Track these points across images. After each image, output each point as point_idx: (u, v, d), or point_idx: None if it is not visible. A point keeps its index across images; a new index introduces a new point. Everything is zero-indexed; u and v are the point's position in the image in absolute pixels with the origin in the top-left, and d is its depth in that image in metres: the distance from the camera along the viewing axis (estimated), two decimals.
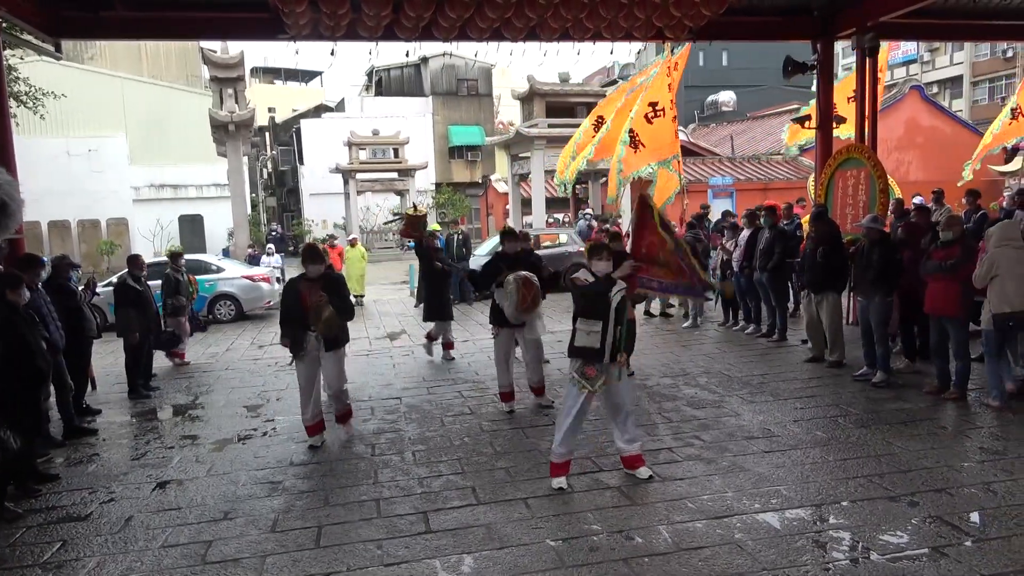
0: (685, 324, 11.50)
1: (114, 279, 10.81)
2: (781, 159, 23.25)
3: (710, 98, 41.33)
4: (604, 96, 22.91)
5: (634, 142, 11.87)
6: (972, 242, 6.85)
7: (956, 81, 45.81)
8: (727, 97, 40.90)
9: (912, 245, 7.71)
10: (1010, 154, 21.77)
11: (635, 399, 5.28)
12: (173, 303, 10.03)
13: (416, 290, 16.23)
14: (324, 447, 6.28)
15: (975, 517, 4.44)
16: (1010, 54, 40.69)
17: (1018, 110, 13.33)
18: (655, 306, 12.51)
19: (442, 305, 9.77)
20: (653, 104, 11.98)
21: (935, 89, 43.31)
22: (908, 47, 44.57)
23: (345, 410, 6.57)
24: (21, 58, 12.61)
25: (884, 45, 12.16)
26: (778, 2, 10.14)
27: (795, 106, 28.01)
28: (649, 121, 11.94)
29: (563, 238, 17.64)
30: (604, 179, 23.02)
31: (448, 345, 9.86)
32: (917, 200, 12.05)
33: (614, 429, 5.33)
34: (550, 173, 22.53)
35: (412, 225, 9.87)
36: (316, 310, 5.99)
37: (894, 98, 22.62)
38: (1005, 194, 17.17)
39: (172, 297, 10.04)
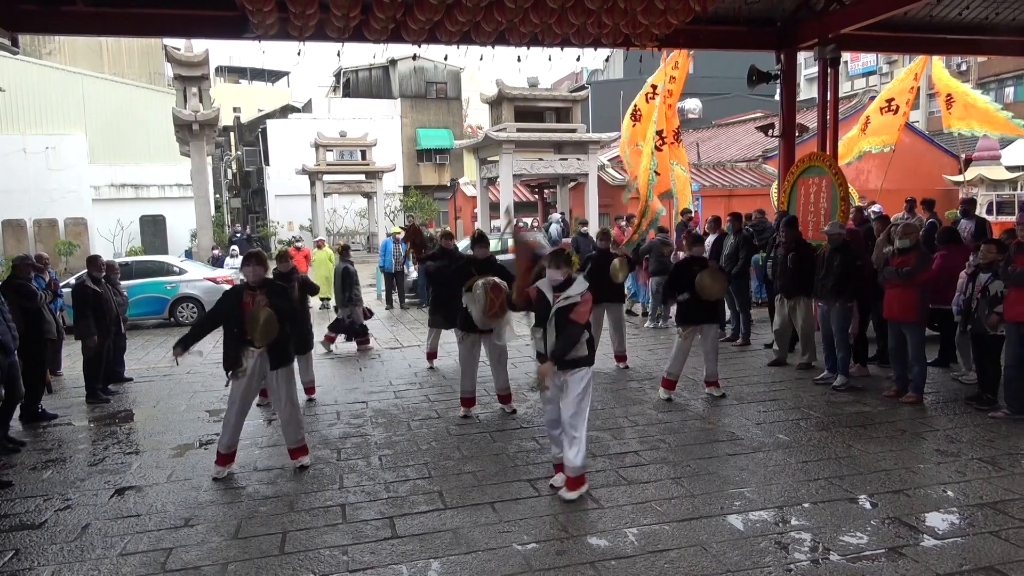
0: (648, 324, 11.74)
1: (72, 280, 10.55)
2: (745, 166, 23.61)
3: (676, 105, 41.81)
4: (573, 101, 23.11)
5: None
6: (927, 249, 7.03)
7: None
8: (693, 105, 41.35)
9: (856, 250, 7.88)
10: (964, 164, 22.42)
11: (578, 421, 4.98)
12: (352, 294, 10.51)
13: (384, 294, 16.12)
14: (231, 479, 5.64)
15: (931, 517, 4.57)
16: (964, 67, 41.94)
17: None
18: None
19: (448, 312, 8.03)
20: (660, 132, 13.06)
21: None
22: (868, 59, 45.70)
23: (298, 444, 5.78)
24: None
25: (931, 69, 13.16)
26: (743, 12, 10.32)
27: (759, 114, 28.54)
28: (659, 149, 12.90)
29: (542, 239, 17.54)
30: (573, 183, 23.19)
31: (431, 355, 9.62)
32: (876, 208, 12.34)
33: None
34: (519, 177, 22.58)
35: (411, 234, 9.09)
36: (253, 317, 5.28)
37: (854, 108, 23.09)
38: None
39: (350, 289, 10.52)
